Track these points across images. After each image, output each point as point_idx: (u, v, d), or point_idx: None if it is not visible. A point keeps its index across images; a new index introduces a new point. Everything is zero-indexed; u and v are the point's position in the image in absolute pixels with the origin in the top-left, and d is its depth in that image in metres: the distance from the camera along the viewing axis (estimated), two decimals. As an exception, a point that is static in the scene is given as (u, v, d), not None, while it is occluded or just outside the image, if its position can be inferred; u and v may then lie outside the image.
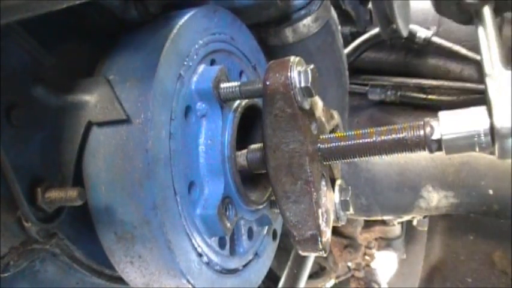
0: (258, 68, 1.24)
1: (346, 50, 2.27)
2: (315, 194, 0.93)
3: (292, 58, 0.94)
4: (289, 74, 0.91)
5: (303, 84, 0.92)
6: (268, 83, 0.93)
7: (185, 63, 0.97)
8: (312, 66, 0.95)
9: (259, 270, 1.19)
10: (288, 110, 0.92)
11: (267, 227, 1.21)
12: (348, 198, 1.05)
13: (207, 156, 0.99)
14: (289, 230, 0.96)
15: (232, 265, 1.08)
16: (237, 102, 1.05)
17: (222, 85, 0.99)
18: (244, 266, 1.13)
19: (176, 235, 0.90)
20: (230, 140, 1.00)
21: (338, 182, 1.08)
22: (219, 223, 0.96)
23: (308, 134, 0.94)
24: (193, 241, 0.95)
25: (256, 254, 1.18)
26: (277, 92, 0.92)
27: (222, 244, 1.04)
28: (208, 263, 0.99)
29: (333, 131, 1.10)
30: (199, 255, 0.96)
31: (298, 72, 0.92)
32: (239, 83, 1.00)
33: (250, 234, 1.14)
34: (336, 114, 1.13)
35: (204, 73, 1.00)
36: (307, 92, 0.93)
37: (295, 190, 0.93)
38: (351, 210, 1.06)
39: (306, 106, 0.95)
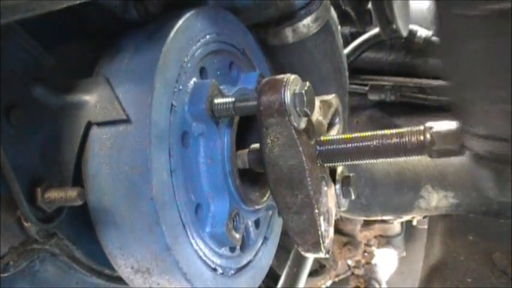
0: (247, 50, 1.18)
1: (346, 50, 2.26)
2: (316, 206, 0.92)
3: (285, 78, 0.90)
4: (283, 98, 0.88)
5: (298, 108, 0.90)
6: (261, 108, 0.90)
7: (175, 89, 0.92)
8: (307, 85, 0.92)
9: (270, 251, 1.19)
10: (284, 133, 0.90)
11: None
12: (350, 187, 1.04)
13: (209, 175, 0.97)
14: (293, 238, 0.96)
15: (244, 261, 1.09)
16: None
17: (216, 101, 0.95)
18: (255, 254, 1.13)
19: (191, 264, 0.91)
20: (230, 156, 0.98)
21: (339, 170, 1.05)
22: (229, 239, 0.97)
23: (306, 150, 0.93)
24: (206, 260, 0.96)
25: (264, 238, 1.17)
26: (272, 117, 0.89)
27: (232, 248, 1.04)
28: (223, 273, 1.00)
29: (332, 118, 1.08)
30: (214, 269, 0.98)
31: (292, 95, 0.89)
32: (233, 99, 0.96)
33: (257, 223, 1.13)
34: (334, 99, 1.09)
35: (196, 92, 0.96)
36: (303, 114, 0.91)
37: (296, 202, 0.93)
38: (353, 196, 1.05)
39: (302, 126, 0.93)
